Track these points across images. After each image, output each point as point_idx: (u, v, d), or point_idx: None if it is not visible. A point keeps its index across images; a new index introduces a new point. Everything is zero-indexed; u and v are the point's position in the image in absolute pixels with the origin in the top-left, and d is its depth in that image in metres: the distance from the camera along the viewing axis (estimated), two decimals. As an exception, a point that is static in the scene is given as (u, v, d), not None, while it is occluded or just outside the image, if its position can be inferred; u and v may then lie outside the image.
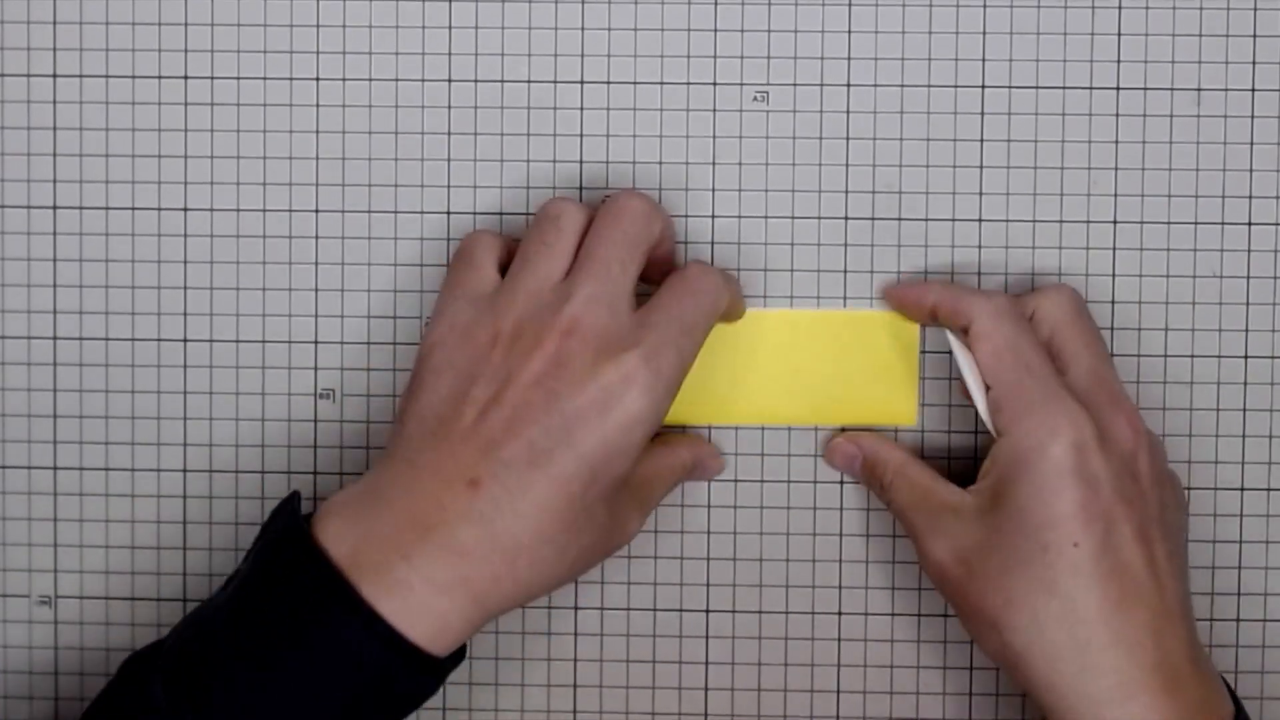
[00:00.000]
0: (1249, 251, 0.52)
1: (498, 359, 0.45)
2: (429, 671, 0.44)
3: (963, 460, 0.52)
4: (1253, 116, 0.52)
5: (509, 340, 0.45)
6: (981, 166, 0.52)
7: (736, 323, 0.51)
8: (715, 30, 0.52)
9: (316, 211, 0.52)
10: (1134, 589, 0.44)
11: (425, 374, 0.46)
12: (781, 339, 0.51)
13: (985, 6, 0.52)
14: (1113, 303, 0.52)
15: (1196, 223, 0.52)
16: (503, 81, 0.52)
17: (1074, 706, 0.44)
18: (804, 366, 0.51)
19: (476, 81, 0.52)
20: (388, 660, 0.42)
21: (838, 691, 0.53)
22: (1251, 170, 0.52)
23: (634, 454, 0.45)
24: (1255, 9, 0.52)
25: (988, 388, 0.47)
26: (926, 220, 0.52)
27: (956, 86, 0.52)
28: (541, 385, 0.44)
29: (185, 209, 0.52)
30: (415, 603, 0.43)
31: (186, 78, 0.52)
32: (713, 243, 0.52)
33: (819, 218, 0.52)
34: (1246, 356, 0.52)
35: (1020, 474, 0.45)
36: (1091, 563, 0.44)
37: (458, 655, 0.45)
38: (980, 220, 0.52)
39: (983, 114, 0.52)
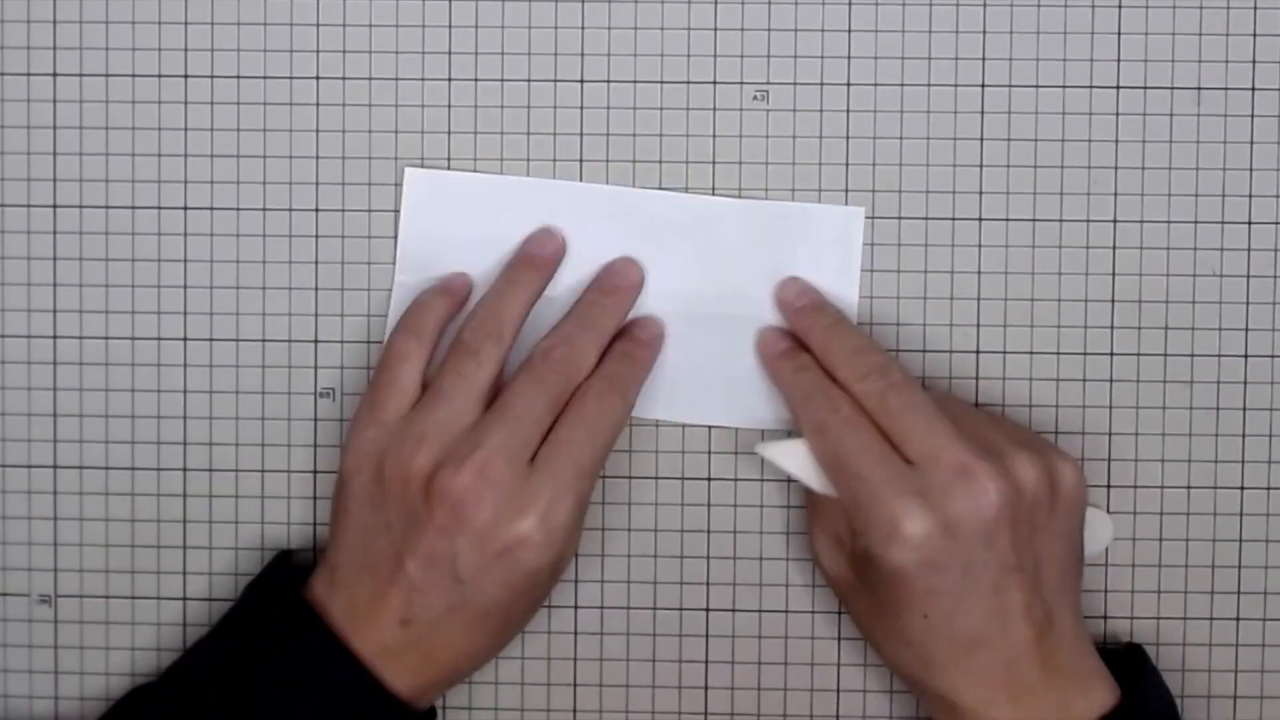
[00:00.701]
0: (1249, 251, 0.52)
1: (408, 501, 0.47)
2: None
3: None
4: (1253, 116, 0.52)
5: (419, 480, 0.47)
6: (981, 166, 0.52)
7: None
8: (715, 29, 0.52)
9: (316, 211, 0.52)
10: (984, 637, 0.46)
11: (347, 501, 0.48)
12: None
13: (985, 6, 0.52)
14: (1113, 302, 0.52)
15: (1196, 222, 0.52)
16: (502, 81, 0.52)
17: (933, 711, 0.48)
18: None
19: (476, 81, 0.52)
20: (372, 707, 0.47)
21: (838, 691, 0.53)
22: (1251, 169, 0.52)
23: (549, 581, 0.48)
24: (1255, 9, 0.52)
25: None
26: (926, 220, 0.52)
27: (956, 86, 0.52)
28: (445, 537, 0.46)
29: (185, 208, 0.52)
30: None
31: (186, 77, 0.52)
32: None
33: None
34: (1246, 356, 0.52)
35: (871, 564, 0.47)
36: (940, 628, 0.46)
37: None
38: (980, 220, 0.52)
39: (983, 113, 0.52)
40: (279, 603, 0.49)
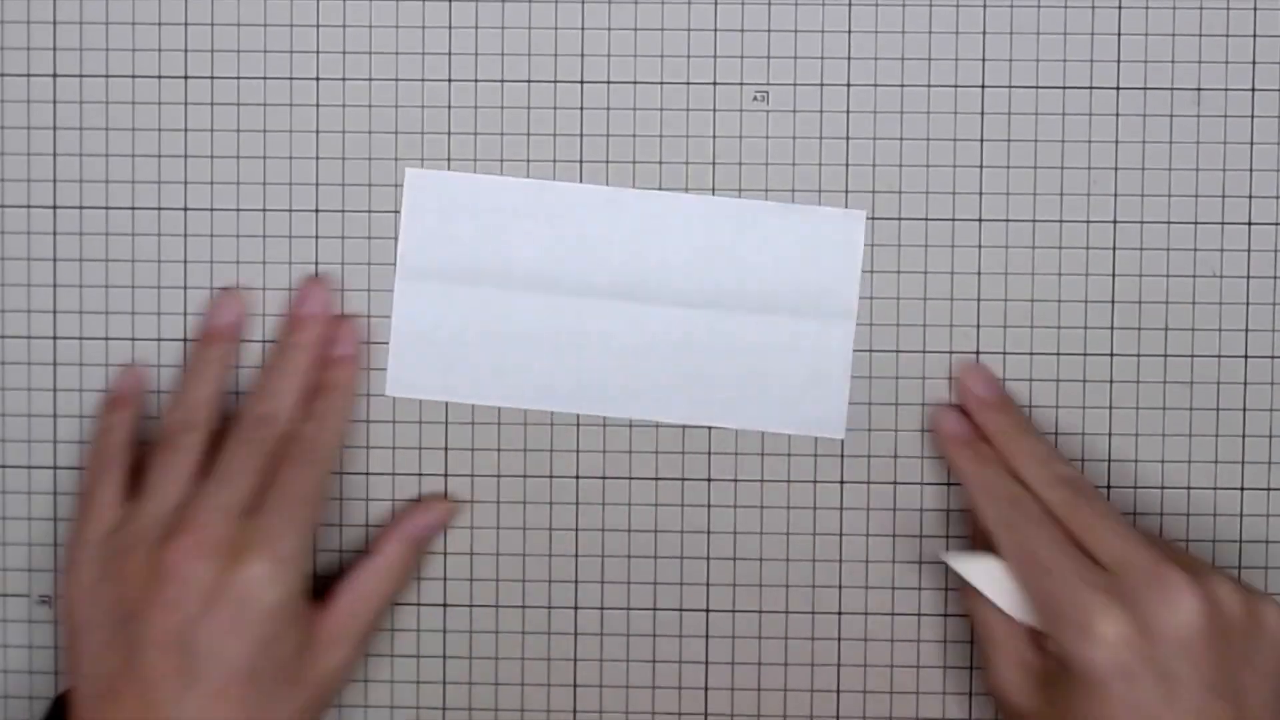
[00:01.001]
0: (1249, 251, 0.52)
1: (130, 597, 0.46)
2: None
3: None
4: (1253, 116, 0.52)
5: (139, 571, 0.46)
6: (981, 166, 0.52)
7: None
8: (715, 30, 0.52)
9: (316, 212, 0.52)
10: None
11: (75, 638, 0.47)
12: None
13: (985, 6, 0.52)
14: (1113, 303, 0.52)
15: (1196, 223, 0.52)
16: (503, 81, 0.52)
17: None
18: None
19: (476, 81, 0.52)
20: None
21: (838, 691, 0.53)
22: (1251, 170, 0.52)
23: (291, 628, 0.47)
24: (1255, 9, 0.52)
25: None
26: (926, 220, 0.52)
27: (956, 86, 0.52)
28: (173, 612, 0.45)
29: (185, 209, 0.52)
30: None
31: (186, 77, 0.52)
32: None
33: (816, 206, 0.52)
34: (1246, 356, 0.52)
35: (1067, 674, 0.45)
36: None
37: None
38: (980, 220, 0.52)
39: (983, 114, 0.52)
40: None
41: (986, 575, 0.48)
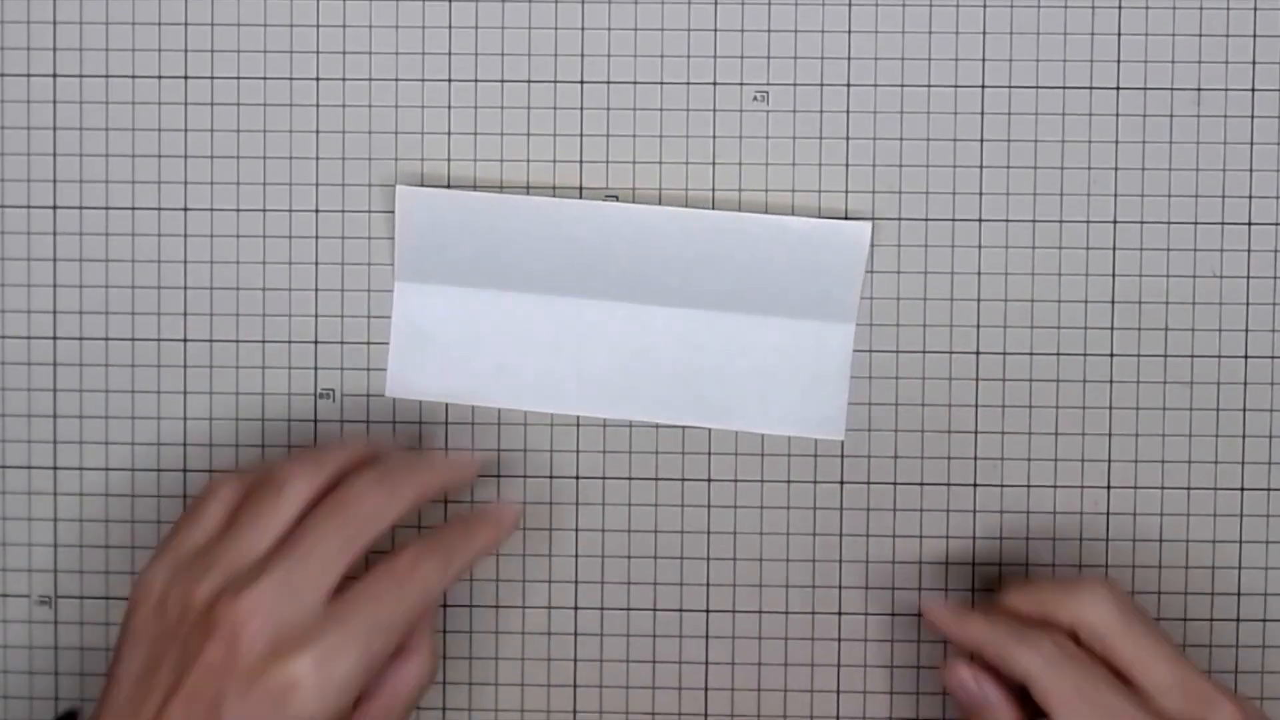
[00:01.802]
0: (1249, 251, 0.52)
1: (184, 637, 0.43)
2: None
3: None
4: (1253, 116, 0.52)
5: (196, 618, 0.43)
6: (981, 166, 0.52)
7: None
8: (715, 30, 0.52)
9: (316, 211, 0.52)
10: None
11: (127, 637, 0.45)
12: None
13: (985, 6, 0.52)
14: (1113, 303, 0.52)
15: (1196, 223, 0.52)
16: (503, 81, 0.52)
17: None
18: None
19: (476, 81, 0.52)
20: None
21: (838, 691, 0.53)
22: (1251, 170, 0.52)
23: None
24: (1255, 9, 0.52)
25: None
26: (926, 220, 0.52)
27: (956, 86, 0.52)
28: (214, 678, 0.43)
29: (185, 209, 0.52)
30: None
31: (186, 78, 0.52)
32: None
33: (819, 218, 0.52)
34: (1246, 356, 0.52)
35: None
36: None
37: None
38: (980, 220, 0.52)
39: (983, 114, 0.52)
40: None
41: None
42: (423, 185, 0.52)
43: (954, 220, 0.52)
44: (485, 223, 0.51)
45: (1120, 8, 0.52)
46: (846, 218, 0.52)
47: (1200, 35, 0.52)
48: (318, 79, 0.52)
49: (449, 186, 0.52)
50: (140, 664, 0.44)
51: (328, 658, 0.43)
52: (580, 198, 0.52)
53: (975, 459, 0.52)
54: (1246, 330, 0.52)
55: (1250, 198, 0.52)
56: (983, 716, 0.47)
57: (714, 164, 0.52)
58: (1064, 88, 0.52)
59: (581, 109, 0.52)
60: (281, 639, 0.43)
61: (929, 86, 0.52)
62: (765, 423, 0.52)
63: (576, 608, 0.53)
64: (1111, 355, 0.52)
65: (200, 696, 0.43)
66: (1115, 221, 0.52)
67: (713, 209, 0.52)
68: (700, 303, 0.52)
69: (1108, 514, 0.52)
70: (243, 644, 0.43)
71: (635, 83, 0.52)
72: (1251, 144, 0.52)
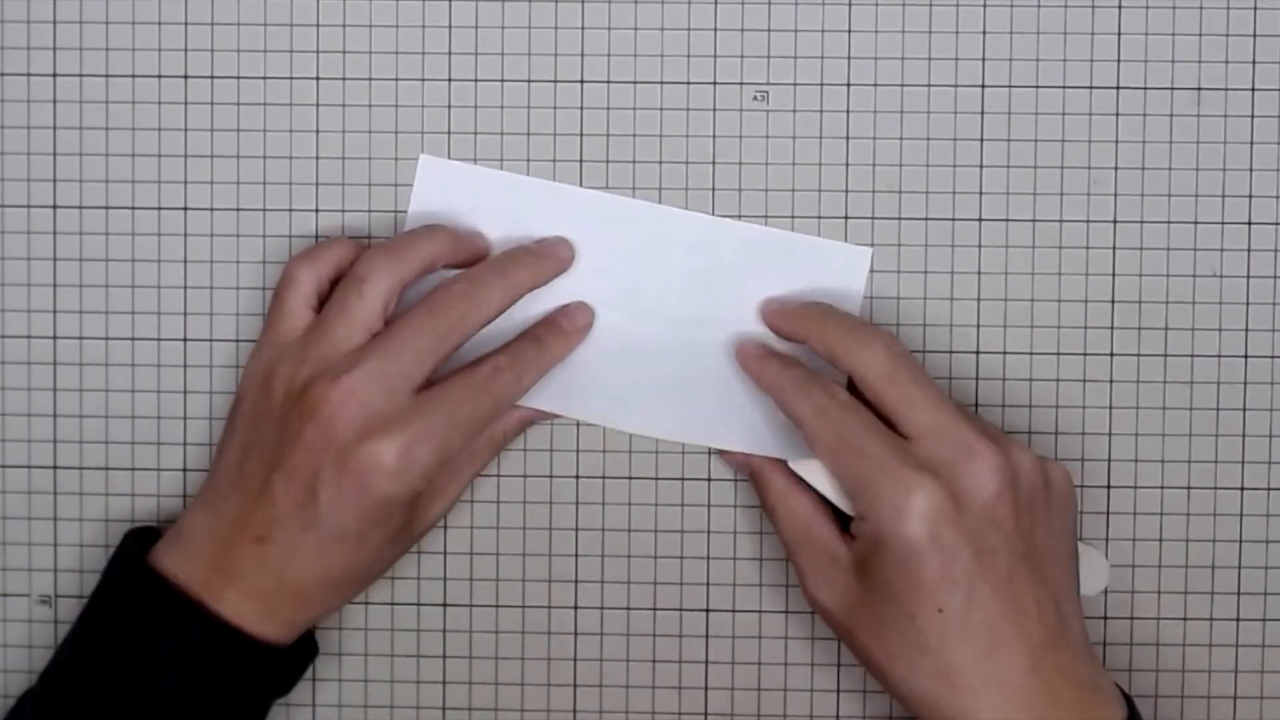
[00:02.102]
0: (1249, 251, 0.52)
1: (283, 417, 0.47)
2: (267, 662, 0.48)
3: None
4: (1253, 116, 0.52)
5: (295, 398, 0.47)
6: (981, 166, 0.52)
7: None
8: (715, 30, 0.52)
9: (316, 211, 0.52)
10: (1003, 635, 0.45)
11: (235, 419, 0.49)
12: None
13: (985, 6, 0.52)
14: (1113, 303, 0.52)
15: (1196, 223, 0.52)
16: (503, 81, 0.52)
17: None
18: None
19: (476, 81, 0.52)
20: (226, 653, 0.47)
21: (838, 691, 0.53)
22: (1251, 170, 0.52)
23: (401, 509, 0.48)
24: (1255, 9, 0.52)
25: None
26: (926, 220, 0.52)
27: (956, 86, 0.52)
28: (310, 453, 0.46)
29: (185, 209, 0.52)
30: (234, 611, 0.48)
31: (186, 77, 0.52)
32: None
33: (819, 217, 0.52)
34: (1246, 356, 0.52)
35: (880, 553, 0.46)
36: (957, 624, 0.45)
37: (300, 653, 0.50)
38: (980, 220, 0.52)
39: (983, 114, 0.52)
40: (125, 576, 0.48)
41: (811, 472, 0.49)
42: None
43: (954, 220, 0.52)
44: (499, 204, 0.51)
45: (1120, 8, 0.52)
46: (850, 224, 0.52)
47: (1200, 35, 0.52)
48: (318, 79, 0.52)
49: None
50: (243, 443, 0.48)
51: (411, 445, 0.46)
52: (580, 198, 0.52)
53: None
54: (1246, 330, 0.52)
55: (1250, 198, 0.52)
56: (753, 484, 0.51)
57: (714, 164, 0.52)
58: (1064, 88, 0.52)
59: (581, 109, 0.52)
60: (372, 424, 0.46)
61: (929, 86, 0.52)
62: (762, 445, 0.51)
63: (576, 608, 0.53)
64: (1111, 355, 0.52)
65: (299, 472, 0.46)
66: (1115, 221, 0.52)
67: (712, 213, 0.52)
68: (699, 323, 0.52)
69: (1108, 514, 0.52)
70: (338, 426, 0.46)
71: (635, 83, 0.52)
72: (1251, 144, 0.52)
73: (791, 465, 0.50)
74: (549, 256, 0.51)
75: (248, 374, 0.49)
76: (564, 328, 0.51)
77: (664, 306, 0.52)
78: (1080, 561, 0.48)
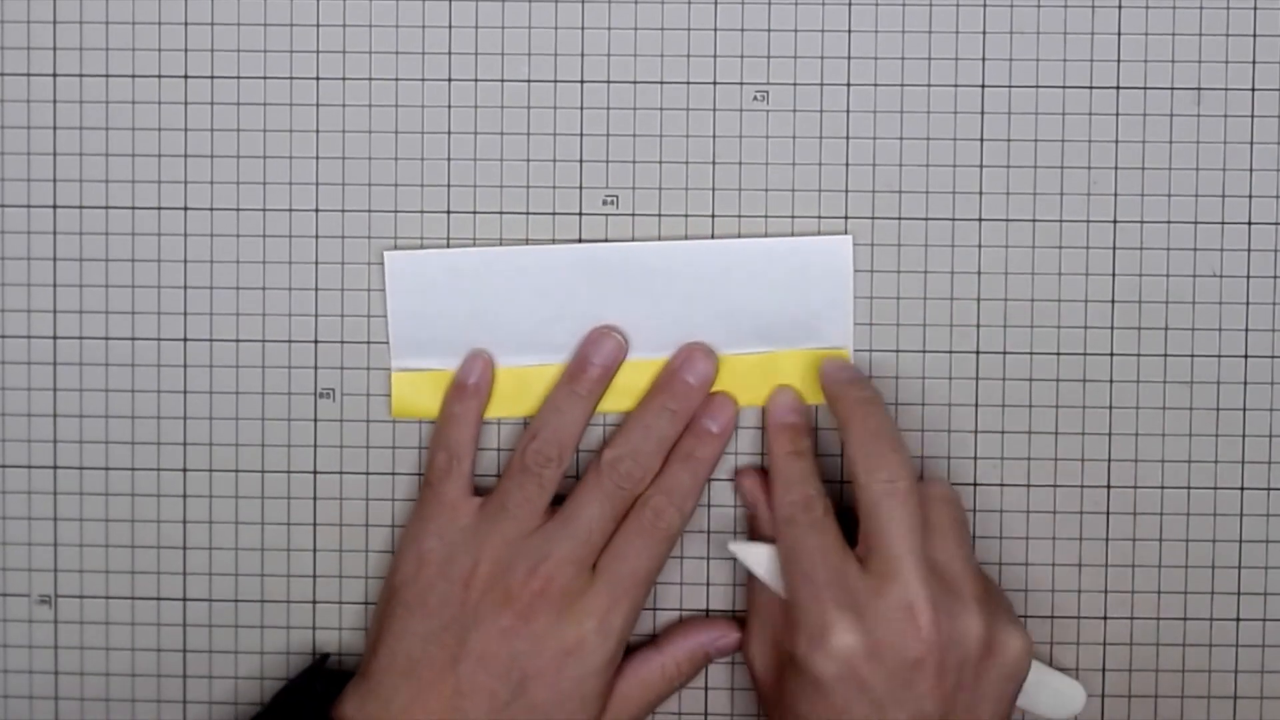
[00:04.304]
0: (1249, 251, 0.52)
1: (470, 603, 0.49)
2: None
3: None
4: (1253, 116, 0.52)
5: (483, 585, 0.49)
6: (981, 166, 0.52)
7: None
8: (715, 30, 0.52)
9: (316, 211, 0.52)
10: None
11: (398, 608, 0.50)
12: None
13: (985, 6, 0.52)
14: (1113, 303, 0.52)
15: (1196, 222, 0.52)
16: (503, 81, 0.52)
17: None
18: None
19: (476, 81, 0.52)
20: None
21: (838, 691, 0.53)
22: (1251, 170, 0.52)
23: (591, 698, 0.49)
24: (1255, 9, 0.52)
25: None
26: (926, 220, 0.52)
27: (956, 86, 0.52)
28: (506, 640, 0.48)
29: (185, 208, 0.52)
30: None
31: (186, 77, 0.52)
32: (714, 236, 0.52)
33: (819, 217, 0.52)
34: (1246, 356, 0.52)
35: (795, 668, 0.47)
36: None
37: None
38: (980, 220, 0.52)
39: (983, 113, 0.52)
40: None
41: (762, 558, 0.50)
42: (423, 185, 0.52)
43: (954, 220, 0.52)
44: (473, 280, 0.51)
45: (1120, 8, 0.52)
46: (850, 224, 0.52)
47: (1200, 35, 0.52)
48: (317, 79, 0.52)
49: (449, 186, 0.52)
50: (416, 629, 0.49)
51: (609, 615, 0.49)
52: (580, 201, 0.52)
53: (975, 459, 0.52)
54: (1246, 330, 0.52)
55: (1250, 197, 0.52)
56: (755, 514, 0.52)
57: (714, 164, 0.52)
58: (1064, 87, 0.52)
59: (581, 109, 0.52)
60: (567, 604, 0.49)
61: (929, 86, 0.52)
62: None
63: (576, 607, 0.53)
64: (1111, 355, 0.52)
65: (492, 658, 0.48)
66: (1115, 221, 0.52)
67: (711, 213, 0.52)
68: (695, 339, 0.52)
69: (1108, 514, 0.52)
70: (535, 616, 0.48)
71: (635, 83, 0.52)
72: (1251, 144, 0.52)
73: (731, 546, 0.50)
74: (691, 393, 0.51)
75: (410, 562, 0.50)
76: (712, 430, 0.51)
77: (660, 338, 0.52)
78: (1045, 691, 0.49)
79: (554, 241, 0.52)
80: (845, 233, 0.52)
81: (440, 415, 0.52)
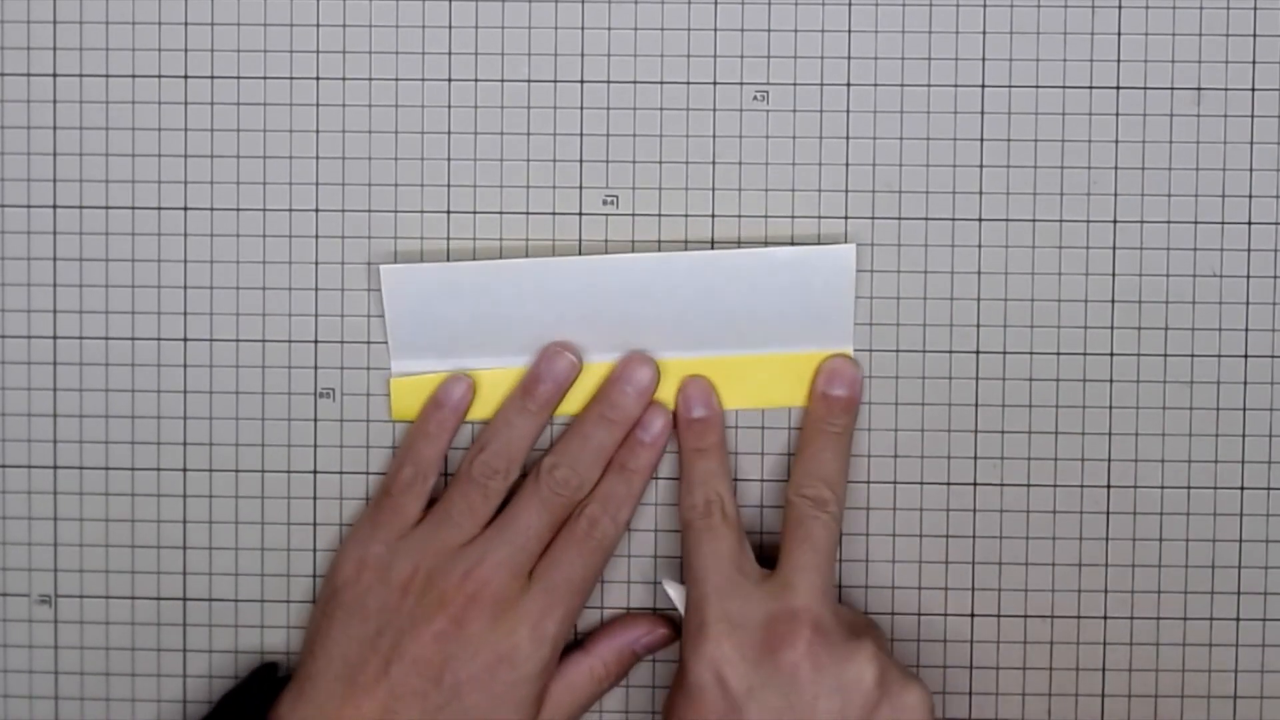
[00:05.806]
0: (1249, 251, 0.52)
1: (405, 608, 0.49)
2: None
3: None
4: (1253, 116, 0.52)
5: (419, 590, 0.49)
6: (981, 166, 0.52)
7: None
8: (715, 30, 0.52)
9: (316, 211, 0.52)
10: None
11: (336, 610, 0.50)
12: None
13: (985, 6, 0.52)
14: (1113, 302, 0.52)
15: (1196, 222, 0.52)
16: (503, 81, 0.52)
17: None
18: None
19: (476, 81, 0.52)
20: None
21: (838, 691, 0.53)
22: (1251, 170, 0.52)
23: (524, 703, 0.49)
24: (1255, 9, 0.52)
25: None
26: (926, 220, 0.52)
27: (956, 86, 0.52)
28: (439, 643, 0.48)
29: (185, 208, 0.52)
30: None
31: (186, 77, 0.52)
32: (713, 242, 0.52)
33: (819, 217, 0.52)
34: (1246, 356, 0.52)
35: (678, 673, 0.48)
36: None
37: None
38: (980, 220, 0.52)
39: (983, 113, 0.52)
40: None
41: (683, 596, 0.50)
42: (423, 185, 0.52)
43: (954, 220, 0.52)
44: (469, 292, 0.51)
45: (1120, 8, 0.52)
46: (850, 224, 0.52)
47: (1200, 35, 0.52)
48: (317, 79, 0.52)
49: (448, 186, 0.52)
50: (353, 632, 0.49)
51: (541, 621, 0.49)
52: (579, 207, 0.52)
53: (975, 459, 0.52)
54: (1246, 330, 0.52)
55: (1250, 197, 0.52)
56: None
57: (714, 164, 0.52)
58: (1064, 87, 0.52)
59: (581, 109, 0.52)
60: (501, 610, 0.49)
61: (929, 86, 0.52)
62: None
63: (576, 607, 0.53)
64: (1111, 355, 0.52)
65: (425, 662, 0.48)
66: (1115, 221, 0.52)
67: (711, 213, 0.52)
68: (695, 347, 0.51)
69: (1108, 514, 0.52)
70: (469, 620, 0.49)
71: (635, 83, 0.52)
72: (1251, 144, 0.52)
73: (664, 583, 0.51)
74: (629, 403, 0.51)
75: (352, 563, 0.50)
76: (644, 441, 0.51)
77: (659, 345, 0.51)
78: None
79: (554, 242, 0.52)
80: (845, 233, 0.52)
81: (413, 428, 0.52)
